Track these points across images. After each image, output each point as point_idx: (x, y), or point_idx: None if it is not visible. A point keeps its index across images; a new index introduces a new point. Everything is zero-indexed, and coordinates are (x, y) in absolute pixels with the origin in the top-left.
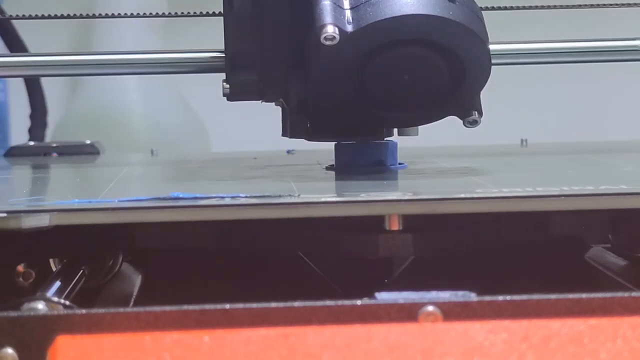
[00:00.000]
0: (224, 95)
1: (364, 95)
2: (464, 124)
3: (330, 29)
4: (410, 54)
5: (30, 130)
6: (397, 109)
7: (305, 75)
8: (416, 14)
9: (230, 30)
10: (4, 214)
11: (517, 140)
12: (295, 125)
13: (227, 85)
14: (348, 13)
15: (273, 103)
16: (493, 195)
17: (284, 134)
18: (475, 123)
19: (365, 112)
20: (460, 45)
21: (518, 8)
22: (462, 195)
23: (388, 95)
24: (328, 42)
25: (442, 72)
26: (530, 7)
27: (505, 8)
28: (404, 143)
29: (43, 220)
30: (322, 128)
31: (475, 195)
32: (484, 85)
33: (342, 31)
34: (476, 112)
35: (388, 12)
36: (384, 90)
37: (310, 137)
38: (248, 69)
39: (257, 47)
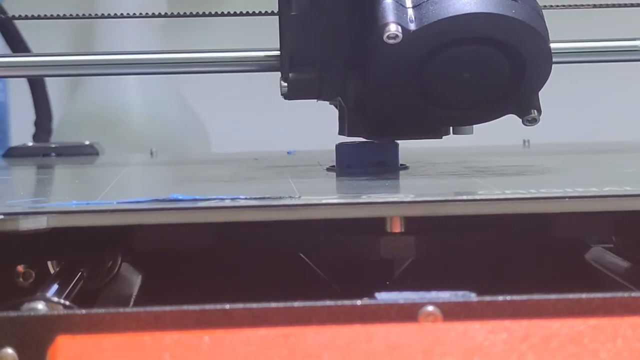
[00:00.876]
0: (281, 94)
1: (424, 94)
2: (523, 122)
3: (393, 28)
4: (472, 52)
5: (34, 137)
6: (457, 108)
7: (364, 74)
8: (479, 12)
9: (287, 29)
10: (2, 216)
11: (520, 141)
12: (353, 124)
13: (285, 84)
14: (410, 11)
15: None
16: (495, 197)
17: (341, 133)
18: (534, 121)
19: (424, 111)
20: (522, 44)
21: None
22: (465, 197)
23: (448, 94)
24: (391, 41)
25: (503, 70)
26: None
27: None
28: (404, 144)
29: (41, 223)
30: (381, 127)
31: (478, 197)
32: (544, 84)
33: (404, 29)
34: (535, 111)
35: (451, 10)
36: (445, 88)
37: (369, 136)
38: (306, 67)
39: (316, 45)
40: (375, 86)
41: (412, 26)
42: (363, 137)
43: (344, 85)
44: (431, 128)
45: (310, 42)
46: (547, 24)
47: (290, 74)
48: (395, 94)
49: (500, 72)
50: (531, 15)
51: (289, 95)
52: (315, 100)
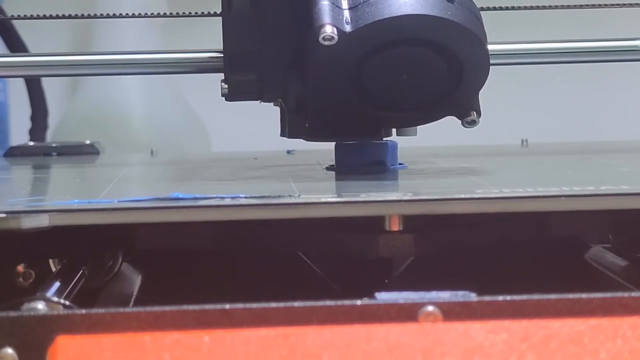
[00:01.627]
0: (222, 95)
1: (362, 96)
2: (462, 124)
3: (329, 29)
4: (408, 54)
5: (31, 132)
6: (395, 109)
7: (304, 75)
8: (414, 14)
9: (228, 30)
10: (4, 215)
11: (518, 141)
12: (293, 125)
13: (226, 85)
14: (346, 13)
15: (272, 103)
16: (493, 195)
17: (282, 134)
18: (473, 123)
19: (363, 112)
20: (459, 46)
21: (518, 8)
22: (463, 196)
23: (386, 95)
24: (326, 42)
25: (441, 72)
26: (530, 8)
27: (506, 8)
28: (404, 143)
29: (42, 221)
30: (320, 128)
31: (476, 196)
32: (482, 86)
33: (340, 31)
34: (475, 112)
35: (386, 12)
36: (383, 90)
37: (309, 137)
38: (246, 68)
39: (256, 47)
40: (314, 87)
41: (348, 28)
42: (303, 139)
43: (284, 87)
44: (371, 129)
45: (250, 43)
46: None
47: (230, 75)
48: (333, 95)
49: (437, 74)
50: (468, 17)
51: (229, 96)
52: (258, 101)
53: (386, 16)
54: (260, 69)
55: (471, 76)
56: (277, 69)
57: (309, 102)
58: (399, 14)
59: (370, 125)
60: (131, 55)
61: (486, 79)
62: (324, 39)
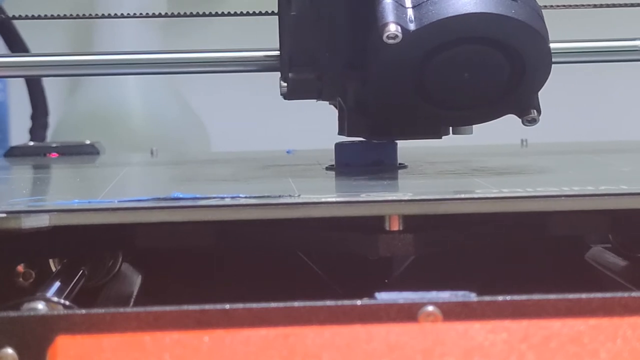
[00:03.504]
0: (281, 94)
1: (423, 94)
2: (522, 122)
3: (393, 28)
4: (471, 52)
5: (31, 131)
6: (456, 108)
7: (364, 74)
8: (479, 12)
9: (287, 29)
10: (4, 214)
11: (517, 141)
12: (353, 124)
13: (285, 84)
14: (410, 12)
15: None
16: (493, 195)
17: (340, 133)
18: (534, 121)
19: (424, 111)
20: (522, 44)
21: None
22: (463, 196)
23: (448, 94)
24: (390, 41)
25: (503, 70)
26: None
27: None
28: (404, 143)
29: (43, 221)
30: (381, 127)
31: (476, 196)
32: (543, 84)
33: (404, 30)
34: (535, 111)
35: (450, 10)
36: (444, 88)
37: (369, 136)
38: (305, 67)
39: (315, 45)
40: (375, 86)
41: (412, 26)
42: (363, 137)
43: (343, 86)
44: (431, 128)
45: (309, 42)
46: (547, 24)
47: (289, 74)
48: (395, 94)
49: (499, 72)
50: (531, 15)
51: (288, 95)
52: (315, 100)
53: (450, 14)
54: (320, 68)
55: (533, 74)
56: (336, 68)
57: (370, 101)
58: (463, 13)
59: (430, 124)
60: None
61: (548, 77)
62: (388, 37)
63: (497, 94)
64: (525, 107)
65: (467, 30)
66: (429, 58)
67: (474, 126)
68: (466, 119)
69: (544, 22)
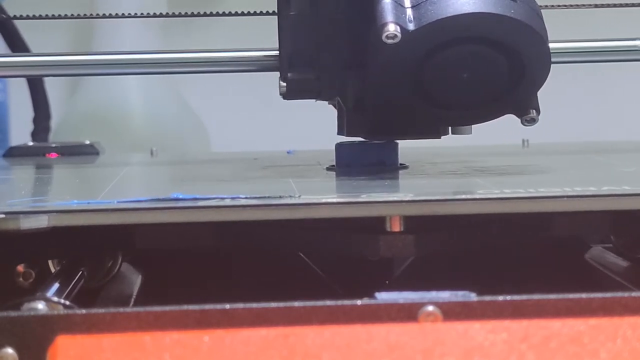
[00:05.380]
0: (280, 94)
1: (423, 94)
2: (522, 122)
3: (392, 28)
4: (470, 52)
5: (33, 134)
6: (455, 108)
7: (363, 74)
8: (478, 12)
9: (286, 29)
10: (3, 215)
11: (519, 141)
12: (352, 124)
13: (284, 84)
14: (409, 11)
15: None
16: (495, 196)
17: (340, 133)
18: (533, 121)
19: (423, 111)
20: (521, 44)
21: None
22: (464, 197)
23: (447, 94)
24: (390, 41)
25: (502, 70)
26: None
27: None
28: (405, 143)
29: (41, 222)
30: (380, 126)
31: (477, 196)
32: (542, 84)
33: (403, 29)
34: (534, 111)
35: (450, 10)
36: (443, 88)
37: (368, 136)
38: (305, 67)
39: (314, 45)
40: (374, 86)
41: (411, 26)
42: (362, 137)
43: (342, 85)
44: (430, 128)
45: (308, 42)
46: (546, 24)
47: (289, 74)
48: (394, 94)
49: (499, 72)
50: (530, 15)
51: (287, 95)
52: (314, 100)
53: (450, 14)
54: (319, 68)
55: (532, 74)
56: (336, 67)
57: (369, 101)
58: (462, 12)
59: (429, 124)
60: (132, 55)
61: (547, 77)
62: (387, 37)
63: (496, 94)
64: (525, 107)
65: (466, 30)
66: (428, 58)
67: (474, 126)
68: (465, 119)
69: (543, 22)
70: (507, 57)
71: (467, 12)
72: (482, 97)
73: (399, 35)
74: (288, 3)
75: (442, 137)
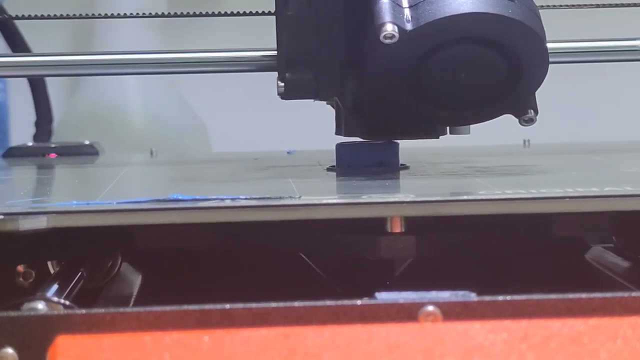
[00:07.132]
0: (278, 94)
1: (420, 94)
2: (519, 122)
3: (390, 27)
4: (468, 52)
5: (35, 138)
6: (453, 108)
7: (361, 74)
8: (475, 12)
9: (284, 29)
10: (1, 216)
11: (519, 141)
12: (350, 124)
13: (282, 84)
14: (407, 11)
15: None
16: (496, 197)
17: (337, 133)
18: (531, 121)
19: (421, 111)
20: (519, 44)
21: None
22: (465, 197)
23: (445, 94)
24: (387, 41)
25: (500, 70)
26: None
27: None
28: (405, 144)
29: (40, 223)
30: (377, 126)
31: (478, 197)
32: (540, 84)
33: (401, 29)
34: (532, 111)
35: (447, 10)
36: (441, 88)
37: (366, 136)
38: (302, 67)
39: (312, 45)
40: (372, 86)
41: (409, 26)
42: (360, 137)
43: (340, 85)
44: (428, 128)
45: (306, 42)
46: (546, 24)
47: (286, 74)
48: (392, 94)
49: (496, 72)
50: (528, 15)
51: (285, 95)
52: (312, 100)
53: (447, 14)
54: (317, 68)
55: (530, 74)
56: (333, 67)
57: (367, 101)
58: (460, 12)
59: (427, 124)
60: (132, 55)
61: (545, 77)
62: (385, 37)
63: (494, 94)
64: (523, 107)
65: (464, 30)
66: (426, 58)
67: (475, 126)
68: (463, 119)
69: (541, 22)
70: (504, 57)
71: (465, 12)
72: (480, 97)
73: (397, 35)
74: (286, 3)
75: (441, 137)
